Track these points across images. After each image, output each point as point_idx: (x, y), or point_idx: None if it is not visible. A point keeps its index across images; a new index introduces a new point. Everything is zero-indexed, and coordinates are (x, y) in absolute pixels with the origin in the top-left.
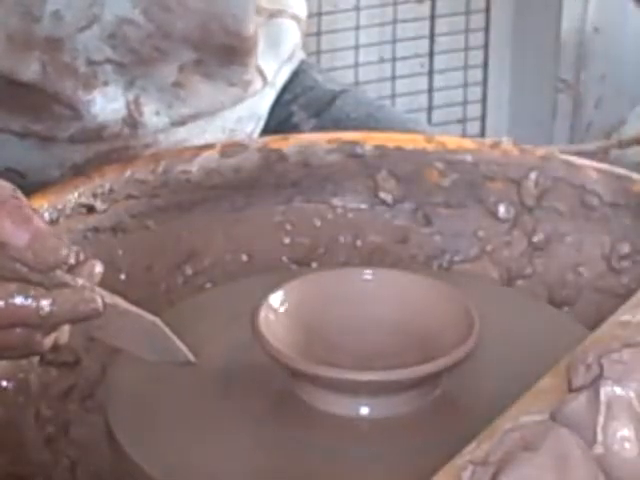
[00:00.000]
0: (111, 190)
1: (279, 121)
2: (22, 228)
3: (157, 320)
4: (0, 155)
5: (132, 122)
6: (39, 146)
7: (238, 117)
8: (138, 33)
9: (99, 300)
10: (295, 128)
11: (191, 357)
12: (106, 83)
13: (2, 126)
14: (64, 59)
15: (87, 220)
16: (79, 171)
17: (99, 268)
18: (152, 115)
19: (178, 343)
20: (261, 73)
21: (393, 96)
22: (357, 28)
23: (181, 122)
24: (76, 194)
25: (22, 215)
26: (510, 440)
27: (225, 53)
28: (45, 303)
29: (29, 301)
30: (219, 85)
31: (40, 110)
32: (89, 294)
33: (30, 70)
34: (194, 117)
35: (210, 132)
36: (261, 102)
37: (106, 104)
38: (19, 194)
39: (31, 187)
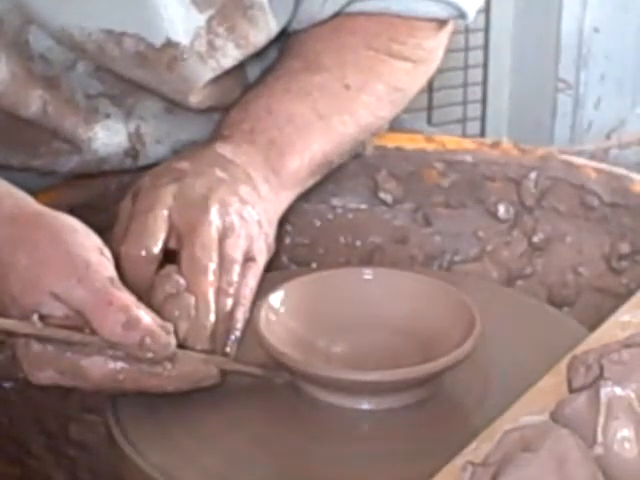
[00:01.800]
0: (111, 190)
1: None
2: (131, 331)
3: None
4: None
5: (134, 153)
6: (39, 179)
7: None
8: (119, 63)
9: (214, 370)
10: None
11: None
12: (108, 116)
13: (2, 161)
14: (64, 95)
15: (87, 220)
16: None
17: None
18: (153, 144)
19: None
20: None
21: None
22: None
23: (182, 149)
24: (76, 194)
25: (129, 315)
26: (510, 440)
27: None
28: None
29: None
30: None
31: (39, 145)
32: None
33: (32, 107)
34: (194, 143)
35: None
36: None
37: (108, 138)
38: (114, 275)
39: None
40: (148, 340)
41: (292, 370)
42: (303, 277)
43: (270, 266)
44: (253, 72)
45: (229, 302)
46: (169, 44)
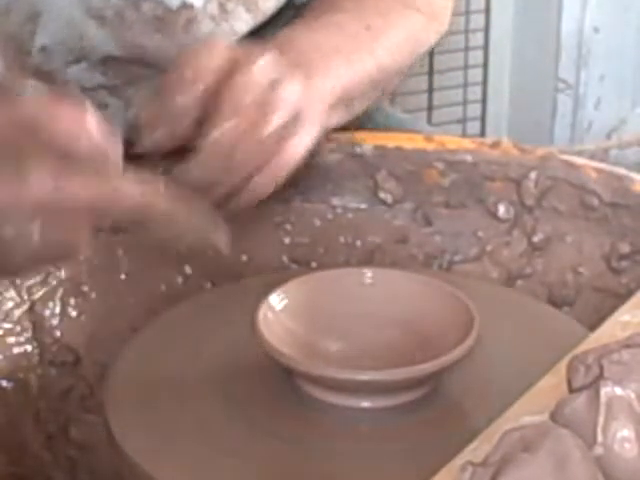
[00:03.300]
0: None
1: None
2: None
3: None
4: None
5: (131, 142)
6: None
7: None
8: (124, 62)
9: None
10: None
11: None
12: (105, 106)
13: None
14: (57, 89)
15: None
16: None
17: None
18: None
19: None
20: None
21: (393, 96)
22: None
23: None
24: None
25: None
26: (510, 440)
27: None
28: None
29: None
30: None
31: None
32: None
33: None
34: None
35: None
36: None
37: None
38: None
39: None
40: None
41: (292, 370)
42: (303, 277)
43: (270, 266)
44: None
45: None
46: (184, 6)
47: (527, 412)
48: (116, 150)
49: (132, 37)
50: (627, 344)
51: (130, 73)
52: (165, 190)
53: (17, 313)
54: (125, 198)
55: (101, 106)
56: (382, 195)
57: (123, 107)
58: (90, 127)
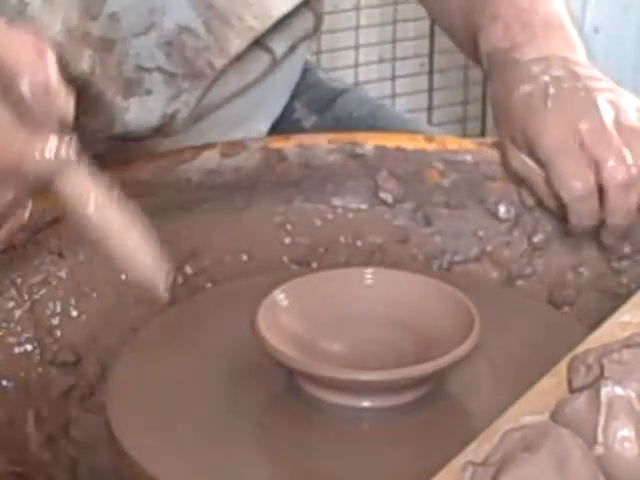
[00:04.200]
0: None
1: (280, 117)
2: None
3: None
4: None
5: (162, 131)
6: None
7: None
8: (196, 43)
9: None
10: (296, 124)
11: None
12: (149, 92)
13: None
14: (111, 61)
15: None
16: (100, 161)
17: None
18: (181, 121)
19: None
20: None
21: (393, 96)
22: (357, 28)
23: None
24: None
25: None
26: (510, 440)
27: None
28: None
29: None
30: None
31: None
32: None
33: (80, 67)
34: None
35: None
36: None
37: (141, 115)
38: None
39: None
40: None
41: (293, 370)
42: (303, 277)
43: (270, 266)
44: (280, 48)
45: None
46: None
47: (527, 412)
48: (68, 103)
49: None
50: (627, 344)
51: (192, 66)
52: (116, 202)
53: (17, 313)
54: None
55: (145, 91)
56: (382, 195)
57: (165, 100)
58: (47, 65)
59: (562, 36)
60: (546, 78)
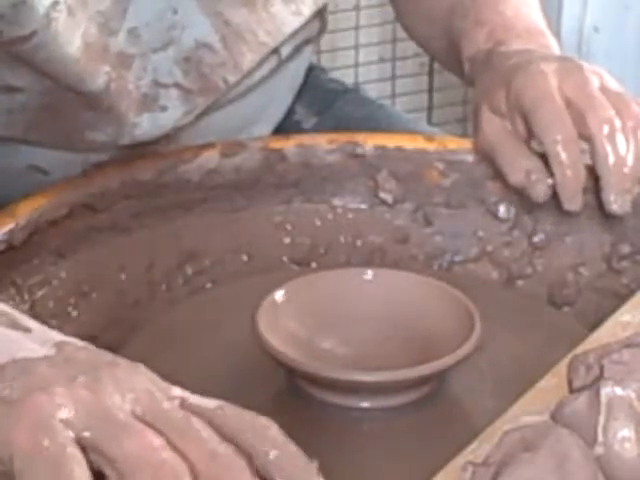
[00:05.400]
0: (111, 190)
1: (280, 119)
2: None
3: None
4: (24, 152)
5: (169, 140)
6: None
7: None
8: (213, 59)
9: None
10: (296, 125)
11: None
12: (164, 108)
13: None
14: (129, 77)
15: (87, 220)
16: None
17: None
18: (191, 136)
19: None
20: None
21: (393, 96)
22: (357, 28)
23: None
24: (76, 194)
25: None
26: (510, 441)
27: None
28: None
29: None
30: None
31: (89, 121)
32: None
33: (96, 84)
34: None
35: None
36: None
37: (152, 130)
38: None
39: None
40: None
41: (293, 370)
42: (303, 277)
43: (270, 266)
44: (286, 49)
45: None
46: None
47: (527, 412)
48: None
49: (222, 8)
50: (627, 344)
51: (208, 82)
52: None
53: None
54: None
55: (159, 107)
56: (382, 195)
57: (179, 117)
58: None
59: (544, 40)
60: (531, 56)
